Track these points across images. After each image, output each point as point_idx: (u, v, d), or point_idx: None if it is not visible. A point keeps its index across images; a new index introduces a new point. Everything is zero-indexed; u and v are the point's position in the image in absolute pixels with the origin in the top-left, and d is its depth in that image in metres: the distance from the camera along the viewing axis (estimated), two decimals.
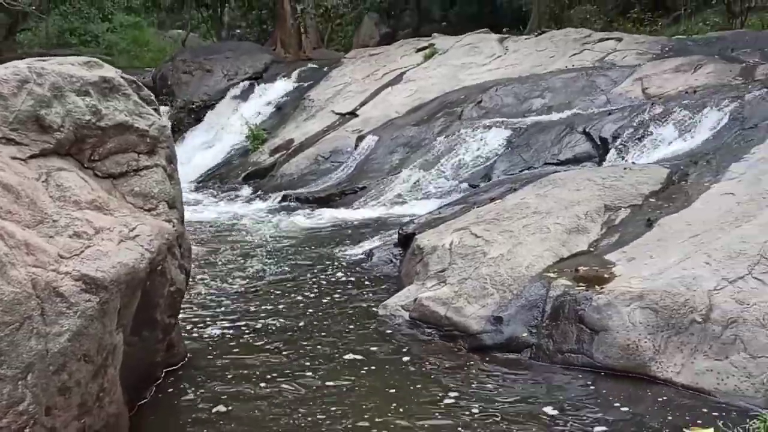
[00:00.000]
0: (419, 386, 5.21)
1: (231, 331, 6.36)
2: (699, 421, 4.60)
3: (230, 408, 4.99)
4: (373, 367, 5.55)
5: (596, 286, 5.74)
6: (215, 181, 15.30)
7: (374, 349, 5.91)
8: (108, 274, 3.81)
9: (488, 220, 7.33)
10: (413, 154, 12.84)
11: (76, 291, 3.67)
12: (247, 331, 6.37)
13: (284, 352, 5.89)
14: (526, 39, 17.48)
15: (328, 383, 5.29)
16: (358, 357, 5.74)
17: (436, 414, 4.77)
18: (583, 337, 5.51)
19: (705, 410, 4.74)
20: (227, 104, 18.78)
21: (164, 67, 21.97)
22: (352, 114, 15.36)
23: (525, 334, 5.78)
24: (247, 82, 19.71)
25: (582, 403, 4.94)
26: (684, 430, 4.46)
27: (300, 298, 7.30)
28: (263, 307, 7.00)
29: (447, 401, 4.98)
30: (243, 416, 4.91)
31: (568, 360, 5.50)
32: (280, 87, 18.77)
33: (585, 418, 4.72)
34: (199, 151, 17.24)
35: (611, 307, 5.48)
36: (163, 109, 20.36)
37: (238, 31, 32.30)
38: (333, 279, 7.94)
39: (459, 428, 4.58)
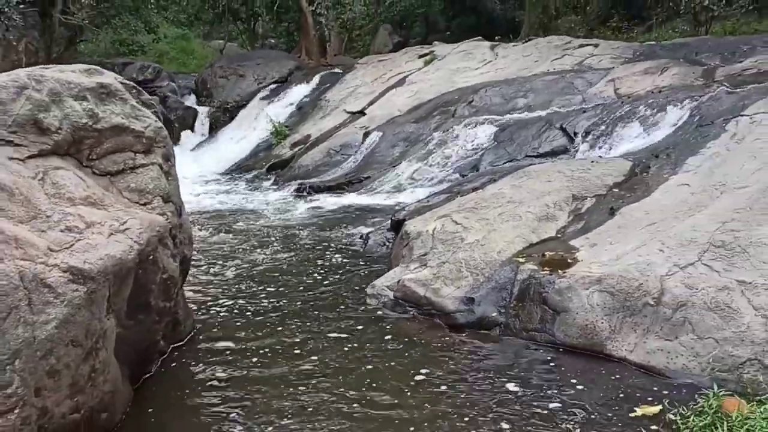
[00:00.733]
0: (394, 363, 4.87)
1: (234, 310, 6.05)
2: (649, 398, 4.25)
3: (225, 380, 4.71)
4: (355, 345, 5.22)
5: (559, 271, 5.36)
6: (243, 171, 15.01)
7: (360, 327, 5.57)
8: (95, 266, 3.49)
9: (468, 209, 6.95)
10: (412, 148, 12.45)
11: (64, 282, 3.37)
12: (248, 309, 6.05)
13: (278, 329, 5.57)
14: (514, 46, 16.95)
15: (313, 358, 4.97)
16: (343, 335, 5.40)
17: (407, 390, 4.43)
18: (546, 317, 5.15)
19: (655, 388, 4.36)
20: (256, 104, 18.48)
21: (204, 72, 21.67)
22: (361, 113, 14.96)
23: (495, 314, 5.42)
24: (274, 85, 19.46)
25: (542, 380, 4.58)
26: (635, 408, 4.10)
27: (300, 278, 6.97)
28: (265, 287, 6.68)
29: (418, 378, 4.63)
30: (234, 387, 4.62)
31: (532, 337, 5.14)
32: (302, 89, 18.42)
33: (543, 394, 4.36)
34: (231, 144, 16.96)
35: (572, 290, 5.11)
36: (201, 109, 20.27)
37: (272, 41, 31.93)
38: (332, 260, 7.61)
39: (426, 404, 4.24)
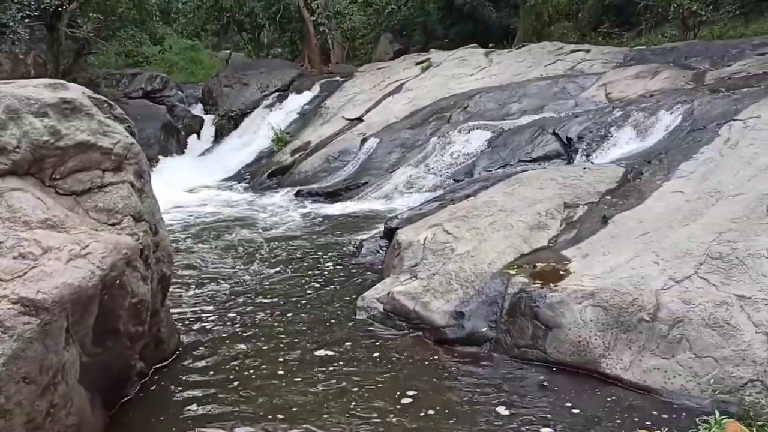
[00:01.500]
0: (381, 384, 4.44)
1: (220, 325, 5.63)
2: (648, 423, 3.81)
3: (204, 403, 4.33)
4: (342, 364, 4.79)
5: (551, 284, 4.92)
6: (245, 177, 14.59)
7: (348, 344, 5.14)
8: (50, 296, 3.08)
9: (459, 217, 6.51)
10: (408, 154, 12.00)
11: (13, 314, 2.96)
12: (237, 325, 5.63)
13: (264, 348, 5.15)
14: (508, 52, 16.47)
15: (297, 379, 4.55)
16: (330, 353, 4.98)
17: (392, 416, 4.01)
18: (537, 333, 4.71)
19: (653, 411, 3.95)
20: (259, 112, 18.06)
21: (210, 81, 21.29)
22: (359, 119, 14.50)
23: (485, 329, 4.98)
24: (276, 93, 19.04)
25: (534, 401, 4.16)
26: None
27: (290, 289, 6.54)
28: (256, 300, 6.25)
29: (405, 401, 4.21)
30: (213, 410, 4.23)
31: (524, 354, 4.70)
32: (303, 97, 17.99)
33: (535, 418, 3.94)
34: (235, 151, 16.54)
35: (564, 305, 4.67)
36: (207, 117, 19.87)
37: (279, 50, 31.49)
38: (325, 270, 7.18)
39: (412, 430, 3.82)
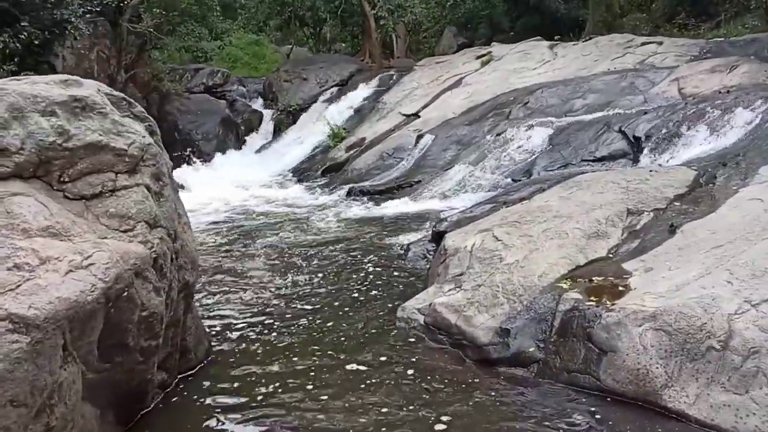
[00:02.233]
0: (415, 405, 4.06)
1: (253, 332, 5.36)
2: None
3: (225, 417, 4.05)
4: (375, 381, 4.43)
5: (608, 302, 4.43)
6: (300, 174, 14.42)
7: (383, 359, 4.77)
8: (42, 312, 2.83)
9: (511, 222, 6.05)
10: (464, 151, 11.54)
11: (1, 332, 2.72)
12: (269, 331, 5.36)
13: (294, 358, 4.85)
14: (573, 45, 15.74)
15: (323, 398, 4.21)
16: (363, 368, 4.62)
17: None
18: (590, 356, 4.23)
19: None
20: (317, 108, 17.89)
21: (271, 76, 21.28)
22: (416, 115, 14.11)
23: (532, 349, 4.53)
24: (335, 88, 18.86)
25: None
26: None
27: (330, 294, 6.23)
28: (295, 305, 5.97)
29: (438, 426, 3.82)
30: (233, 425, 3.96)
31: (574, 380, 4.23)
32: (361, 92, 17.71)
33: None
34: (292, 147, 16.41)
35: (621, 327, 4.17)
36: (267, 112, 19.83)
37: (342, 44, 31.38)
38: (369, 274, 6.83)
39: None
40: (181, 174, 13.63)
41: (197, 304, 5.70)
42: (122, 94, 3.95)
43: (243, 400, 4.28)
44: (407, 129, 13.34)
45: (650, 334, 4.05)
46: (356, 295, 6.17)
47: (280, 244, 8.22)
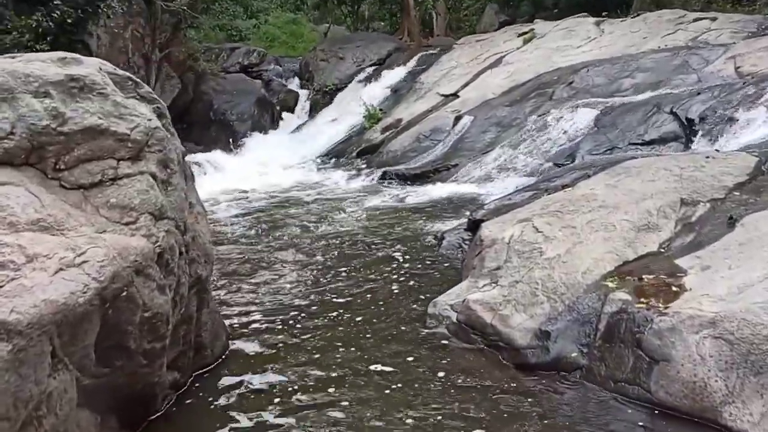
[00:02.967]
0: (443, 415, 3.71)
1: (275, 326, 5.07)
2: None
3: (238, 417, 3.82)
4: (400, 385, 4.09)
5: (660, 304, 4.00)
6: (334, 156, 14.10)
7: (410, 359, 4.43)
8: (25, 316, 2.55)
9: (552, 212, 5.62)
10: (504, 133, 11.06)
11: None
12: (292, 326, 5.07)
13: (317, 356, 4.55)
14: (621, 21, 15.01)
15: (344, 403, 3.90)
16: (389, 370, 4.28)
17: None
18: (640, 365, 3.82)
19: None
20: (353, 87, 17.54)
21: (308, 56, 20.98)
22: (454, 95, 13.63)
23: (574, 354, 4.13)
24: (372, 68, 18.48)
25: None
26: None
27: (359, 286, 5.90)
28: (321, 296, 5.68)
29: None
30: (246, 427, 3.72)
31: (621, 391, 3.83)
32: (399, 72, 17.29)
33: None
34: (327, 128, 16.09)
35: (675, 333, 3.75)
36: (302, 92, 19.53)
37: (382, 23, 30.86)
38: (401, 264, 6.49)
39: None
40: (213, 156, 13.48)
41: (216, 296, 5.45)
42: (127, 74, 3.65)
43: (259, 401, 4.02)
44: (445, 110, 12.90)
45: (709, 343, 3.62)
46: (385, 288, 5.83)
47: (308, 232, 7.93)
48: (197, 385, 4.28)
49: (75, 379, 2.96)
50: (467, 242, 6.72)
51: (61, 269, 2.78)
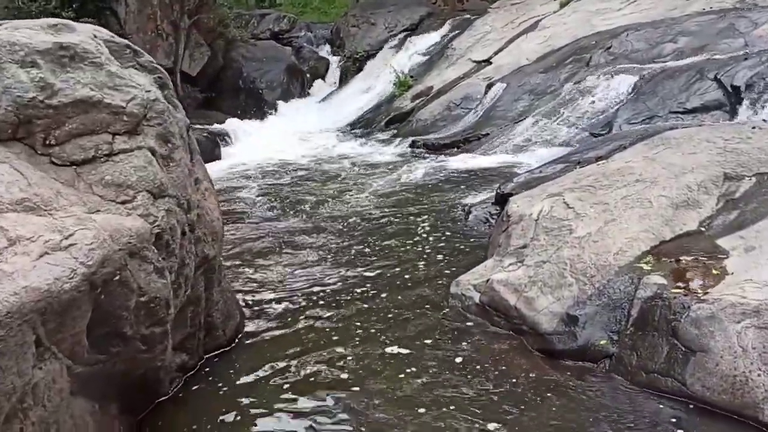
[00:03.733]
0: (459, 404, 3.49)
1: (292, 305, 4.91)
2: None
3: (247, 401, 3.68)
4: (416, 369, 3.88)
5: (698, 289, 3.70)
6: (363, 125, 13.81)
7: (429, 341, 4.22)
8: (4, 305, 2.37)
9: (584, 186, 5.30)
10: (538, 102, 10.63)
11: None
12: (310, 304, 4.90)
13: (334, 337, 4.37)
14: None
15: (355, 387, 3.71)
16: (405, 352, 4.09)
17: None
18: (675, 355, 3.53)
19: None
20: (384, 54, 17.11)
21: (339, 21, 20.58)
22: (487, 62, 13.17)
23: (604, 341, 3.86)
24: (403, 33, 17.97)
25: None
26: None
27: (381, 262, 5.69)
28: (341, 271, 5.52)
29: (491, 426, 3.26)
30: (254, 412, 3.58)
31: (654, 383, 3.55)
32: (431, 37, 16.78)
33: None
34: (356, 96, 15.77)
35: (715, 322, 3.45)
36: (333, 59, 19.19)
37: None
38: (425, 239, 6.25)
39: None
40: (240, 124, 13.31)
41: (231, 274, 5.30)
42: (126, 41, 3.43)
43: (270, 384, 3.87)
44: (477, 77, 12.48)
45: (751, 334, 3.32)
46: (408, 265, 5.60)
47: (331, 205, 7.72)
48: (208, 367, 4.14)
49: (66, 368, 2.80)
50: (495, 217, 6.44)
51: (45, 253, 2.60)
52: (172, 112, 3.46)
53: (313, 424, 3.41)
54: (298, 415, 3.52)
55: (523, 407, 3.48)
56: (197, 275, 3.79)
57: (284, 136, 12.83)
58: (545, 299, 4.21)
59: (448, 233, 6.39)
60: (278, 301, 5.00)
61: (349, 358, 4.09)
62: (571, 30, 12.75)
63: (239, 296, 4.94)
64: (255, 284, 5.28)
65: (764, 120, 6.92)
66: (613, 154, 6.11)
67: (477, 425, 3.32)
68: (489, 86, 11.78)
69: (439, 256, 5.77)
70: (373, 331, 4.44)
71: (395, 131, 12.32)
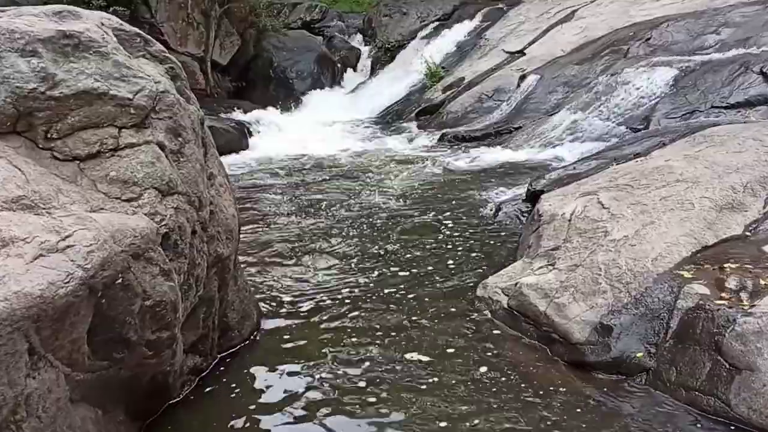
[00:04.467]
0: (485, 414, 3.27)
1: (310, 304, 4.70)
2: None
3: (258, 406, 3.51)
4: (434, 378, 3.66)
5: (745, 300, 3.42)
6: (393, 116, 13.56)
7: (452, 350, 3.98)
8: None
9: (621, 186, 5.01)
10: (572, 94, 10.28)
11: None
12: (329, 304, 4.70)
13: (352, 339, 4.17)
14: None
15: (370, 398, 3.50)
16: (427, 360, 3.86)
17: None
18: (719, 373, 3.25)
19: None
20: (416, 44, 16.86)
21: (371, 11, 20.40)
22: (520, 53, 12.82)
23: (640, 354, 3.59)
24: (436, 23, 17.71)
25: None
26: None
27: (406, 260, 5.46)
28: (364, 268, 5.32)
29: None
30: (264, 419, 3.40)
31: (694, 401, 3.28)
32: (464, 27, 16.47)
33: None
34: (386, 87, 15.54)
35: (763, 338, 3.16)
36: (364, 48, 18.96)
37: None
38: (450, 238, 6.00)
39: None
40: (269, 115, 13.18)
41: (250, 272, 5.13)
42: (136, 29, 3.24)
43: (284, 388, 3.69)
44: (510, 68, 12.14)
45: None
46: (434, 264, 5.36)
47: (357, 200, 7.49)
48: (222, 368, 3.96)
49: (64, 376, 2.63)
50: (525, 215, 6.17)
51: (40, 255, 2.42)
52: (183, 105, 3.26)
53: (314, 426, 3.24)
54: (310, 421, 3.34)
55: (551, 424, 3.24)
56: (210, 275, 3.61)
57: (313, 127, 12.65)
58: (577, 306, 3.95)
59: (476, 231, 6.14)
60: (297, 300, 4.81)
61: (368, 363, 3.89)
62: (608, 21, 12.33)
63: (257, 294, 4.76)
64: (274, 282, 5.09)
65: None
66: (652, 150, 5.79)
67: None
68: (522, 78, 11.44)
69: (466, 256, 5.53)
70: (394, 334, 4.23)
71: (425, 123, 12.06)
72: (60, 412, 2.64)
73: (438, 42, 16.12)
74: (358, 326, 4.36)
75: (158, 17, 14.44)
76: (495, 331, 4.19)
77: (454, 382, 3.62)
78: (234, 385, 3.76)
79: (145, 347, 3.01)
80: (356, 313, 4.55)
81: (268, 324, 4.51)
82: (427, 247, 5.79)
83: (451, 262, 5.40)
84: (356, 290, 4.94)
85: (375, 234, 6.21)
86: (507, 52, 13.20)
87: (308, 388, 3.64)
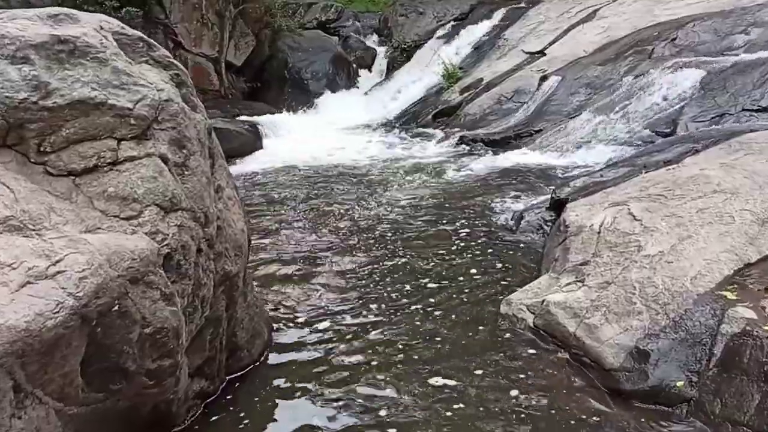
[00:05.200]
0: None
1: (323, 320, 4.47)
2: None
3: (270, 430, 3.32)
4: (460, 404, 3.40)
5: None
6: (409, 119, 13.29)
7: (477, 372, 3.72)
8: None
9: (653, 196, 4.73)
10: (595, 96, 9.97)
11: None
12: (339, 322, 4.45)
13: (370, 360, 3.92)
14: None
15: (397, 421, 3.26)
16: (450, 382, 3.61)
17: None
18: None
19: None
20: (433, 44, 16.59)
21: (387, 11, 20.16)
22: (541, 53, 12.51)
23: (680, 383, 3.32)
24: (453, 23, 17.43)
25: None
26: None
27: (423, 276, 5.19)
28: (379, 283, 5.05)
29: None
30: None
31: None
32: (482, 27, 16.17)
33: None
34: (402, 88, 15.26)
35: None
36: (380, 49, 18.72)
37: None
38: (469, 249, 5.72)
39: None
40: (282, 117, 12.99)
41: (261, 287, 4.90)
42: (139, 33, 3.01)
43: (296, 417, 3.44)
44: (530, 69, 11.84)
45: None
46: (454, 279, 5.09)
47: (372, 207, 7.24)
48: (230, 391, 3.74)
49: (55, 411, 2.42)
50: (549, 224, 5.89)
51: (27, 283, 2.21)
52: (188, 114, 3.04)
53: None
54: None
55: None
56: (217, 294, 3.39)
57: (327, 130, 12.44)
58: (610, 328, 3.67)
59: (497, 242, 5.87)
60: (310, 317, 4.57)
61: (386, 389, 3.64)
62: (631, 20, 11.99)
63: (269, 309, 4.54)
64: (285, 297, 4.85)
65: None
66: (684, 158, 5.50)
67: None
68: (543, 79, 11.14)
69: (488, 269, 5.26)
70: (413, 355, 3.98)
71: (442, 125, 11.79)
72: None
73: (455, 42, 15.84)
74: (375, 347, 4.11)
75: (172, 18, 14.29)
76: (522, 353, 3.92)
77: (481, 409, 3.37)
78: (242, 412, 3.54)
79: (144, 377, 2.78)
80: (372, 332, 4.30)
81: (281, 339, 4.29)
82: (446, 258, 5.53)
83: (471, 276, 5.13)
84: (372, 306, 4.69)
85: (391, 245, 5.95)
86: (527, 53, 12.90)
87: (320, 414, 3.41)
